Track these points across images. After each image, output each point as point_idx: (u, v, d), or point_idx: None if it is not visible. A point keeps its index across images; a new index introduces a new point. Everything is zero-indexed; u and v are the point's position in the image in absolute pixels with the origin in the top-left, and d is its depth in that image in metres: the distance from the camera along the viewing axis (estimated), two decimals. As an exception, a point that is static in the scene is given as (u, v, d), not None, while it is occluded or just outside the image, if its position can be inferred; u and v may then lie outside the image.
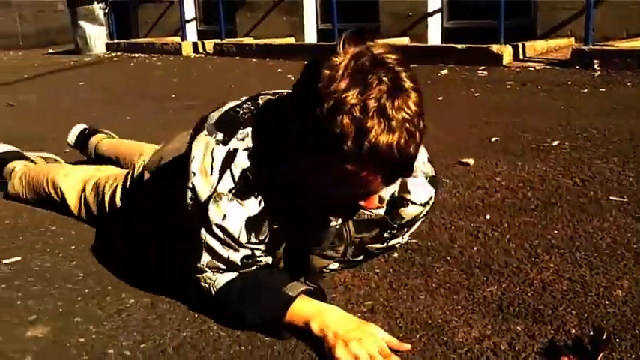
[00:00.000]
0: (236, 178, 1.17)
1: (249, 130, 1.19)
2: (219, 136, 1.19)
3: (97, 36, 8.42)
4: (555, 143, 2.40)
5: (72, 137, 2.43)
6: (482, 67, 4.50)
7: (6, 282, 1.52)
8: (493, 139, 2.52)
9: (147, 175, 1.63)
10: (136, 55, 7.86)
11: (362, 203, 1.14)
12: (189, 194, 1.20)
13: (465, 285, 1.36)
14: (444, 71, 4.49)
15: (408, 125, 1.00)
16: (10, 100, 4.69)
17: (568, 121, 2.73)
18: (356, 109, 0.98)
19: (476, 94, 3.60)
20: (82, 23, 8.42)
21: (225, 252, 1.21)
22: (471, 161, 2.23)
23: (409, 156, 1.02)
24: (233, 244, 1.20)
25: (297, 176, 1.13)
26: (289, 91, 1.13)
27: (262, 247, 1.24)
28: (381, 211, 1.34)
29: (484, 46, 4.68)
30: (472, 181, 2.03)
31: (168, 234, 1.39)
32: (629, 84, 3.55)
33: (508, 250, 1.51)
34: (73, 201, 1.90)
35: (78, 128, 2.45)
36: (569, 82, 3.70)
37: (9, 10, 11.92)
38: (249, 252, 1.23)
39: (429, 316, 1.24)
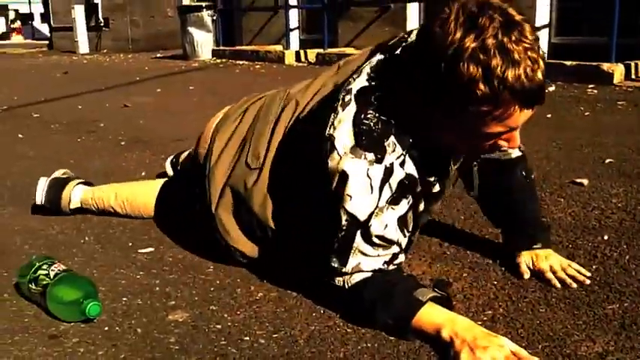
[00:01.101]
0: (393, 189, 1.26)
1: (392, 139, 1.26)
2: (370, 156, 1.24)
3: (204, 42, 8.76)
4: (673, 167, 2.35)
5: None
6: (592, 86, 4.41)
7: (143, 270, 1.65)
8: (607, 160, 2.49)
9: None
10: (241, 62, 8.12)
11: (504, 144, 1.22)
12: (345, 217, 1.26)
13: (586, 301, 1.37)
14: (552, 88, 4.43)
15: (530, 53, 1.09)
16: (126, 101, 4.97)
17: (686, 145, 2.66)
18: (477, 52, 1.07)
19: (586, 114, 3.55)
20: (191, 29, 8.78)
21: (375, 252, 1.28)
22: (585, 181, 2.21)
23: (538, 82, 1.11)
24: (387, 245, 1.28)
25: (441, 144, 1.27)
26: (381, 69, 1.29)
27: (408, 235, 1.33)
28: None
29: (594, 63, 4.58)
30: (587, 202, 2.02)
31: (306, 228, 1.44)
32: None
33: (628, 271, 1.51)
34: None
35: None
36: (684, 105, 3.59)
37: (122, 14, 12.56)
38: (397, 249, 1.30)
39: (550, 329, 1.27)
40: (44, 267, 1.44)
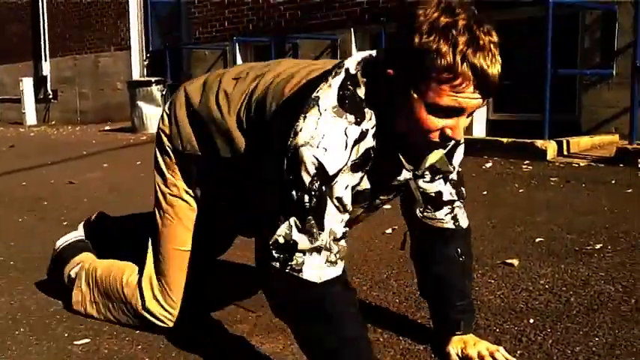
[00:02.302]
0: (359, 154, 1.36)
1: (370, 110, 1.36)
2: (351, 117, 1.34)
3: (153, 116, 8.80)
4: (598, 246, 2.46)
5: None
6: (527, 162, 4.59)
7: (78, 363, 1.65)
8: (537, 239, 2.60)
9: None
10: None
11: (449, 132, 1.30)
12: (313, 170, 1.31)
13: (509, 389, 1.43)
14: (489, 164, 4.60)
15: (493, 48, 1.25)
16: (72, 177, 4.95)
17: (612, 223, 2.80)
18: (449, 28, 1.23)
19: (520, 190, 3.69)
20: (140, 103, 8.84)
21: (339, 217, 1.35)
22: (515, 262, 2.31)
23: (495, 74, 1.25)
24: (343, 211, 1.35)
25: (397, 135, 1.36)
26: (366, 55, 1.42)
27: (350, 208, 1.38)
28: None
29: (529, 140, 4.79)
30: (516, 283, 2.11)
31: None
32: (673, 185, 3.60)
33: (550, 355, 1.58)
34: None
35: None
36: (613, 181, 3.77)
37: (72, 86, 12.56)
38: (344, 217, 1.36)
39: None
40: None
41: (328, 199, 1.32)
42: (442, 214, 1.63)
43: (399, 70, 1.29)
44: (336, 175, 1.32)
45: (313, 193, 1.31)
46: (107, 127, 10.03)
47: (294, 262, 1.31)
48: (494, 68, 1.25)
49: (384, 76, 1.32)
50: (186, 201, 1.79)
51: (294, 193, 1.32)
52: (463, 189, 1.66)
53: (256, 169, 1.56)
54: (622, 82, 5.08)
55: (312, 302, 1.32)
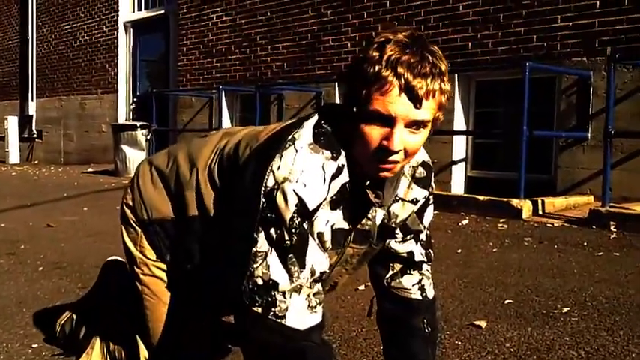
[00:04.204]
0: (336, 190, 1.38)
1: (342, 149, 1.40)
2: (327, 153, 1.37)
3: (136, 160, 8.83)
4: (565, 310, 2.52)
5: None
6: (503, 220, 4.67)
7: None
8: (506, 301, 2.65)
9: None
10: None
11: (385, 143, 1.32)
12: (293, 207, 1.32)
13: None
14: (465, 221, 4.67)
15: (425, 54, 1.30)
16: (51, 220, 4.95)
17: (580, 287, 2.86)
18: (386, 42, 1.31)
19: (494, 250, 3.76)
20: (124, 147, 8.88)
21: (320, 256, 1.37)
22: (483, 323, 2.35)
23: (421, 76, 1.29)
24: (323, 251, 1.37)
25: (356, 146, 1.38)
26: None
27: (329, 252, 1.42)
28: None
29: (505, 199, 4.88)
30: (483, 345, 2.14)
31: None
32: (642, 249, 3.68)
33: (511, 421, 1.61)
34: None
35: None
36: (585, 243, 3.85)
37: (57, 127, 12.59)
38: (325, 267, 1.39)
39: None
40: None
41: (309, 235, 1.33)
42: (410, 283, 1.66)
43: (346, 90, 1.38)
44: (316, 210, 1.33)
45: (294, 230, 1.31)
46: (90, 170, 10.04)
47: (277, 307, 1.30)
48: (422, 72, 1.29)
49: (344, 113, 1.39)
50: (159, 277, 1.74)
51: (272, 231, 1.32)
52: (432, 251, 1.71)
53: (227, 217, 1.55)
54: (597, 144, 5.22)
55: (293, 353, 1.32)
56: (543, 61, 5.52)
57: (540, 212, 4.85)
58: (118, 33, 11.02)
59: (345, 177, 1.39)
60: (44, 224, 4.82)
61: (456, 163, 6.25)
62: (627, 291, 2.79)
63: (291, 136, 1.40)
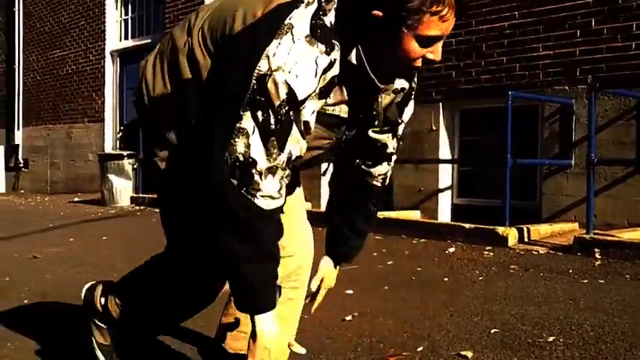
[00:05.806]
0: (326, 82, 1.45)
1: (339, 40, 1.45)
2: (322, 47, 1.43)
3: (123, 189, 8.82)
4: (551, 339, 2.53)
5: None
6: (489, 248, 4.69)
7: None
8: (492, 331, 2.66)
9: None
10: (157, 209, 8.15)
11: (430, 57, 1.45)
12: (284, 95, 1.39)
13: None
14: (452, 249, 4.69)
15: None
16: (36, 251, 4.92)
17: (565, 315, 2.87)
18: None
19: (480, 278, 3.77)
20: (111, 176, 8.86)
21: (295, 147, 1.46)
22: (469, 354, 2.35)
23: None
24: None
25: (378, 61, 1.50)
26: None
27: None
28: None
29: (490, 227, 4.90)
30: (469, 376, 2.15)
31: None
32: (627, 276, 3.71)
33: None
34: None
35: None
36: (570, 271, 3.87)
37: (43, 156, 12.55)
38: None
39: None
40: None
41: (294, 123, 1.42)
42: (377, 172, 1.83)
43: (388, 11, 1.41)
44: (304, 100, 1.42)
45: (280, 117, 1.40)
46: (77, 199, 9.99)
47: (251, 185, 1.42)
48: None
49: (367, 17, 1.42)
50: None
51: (259, 113, 1.40)
52: (401, 142, 1.86)
53: (217, 85, 1.53)
54: (580, 172, 5.28)
55: (254, 229, 1.44)
56: (526, 89, 5.60)
57: (526, 239, 4.88)
58: (104, 62, 11.04)
59: (335, 70, 1.47)
60: (30, 255, 4.79)
61: (442, 190, 6.29)
62: (612, 319, 2.80)
63: (288, 21, 1.44)
